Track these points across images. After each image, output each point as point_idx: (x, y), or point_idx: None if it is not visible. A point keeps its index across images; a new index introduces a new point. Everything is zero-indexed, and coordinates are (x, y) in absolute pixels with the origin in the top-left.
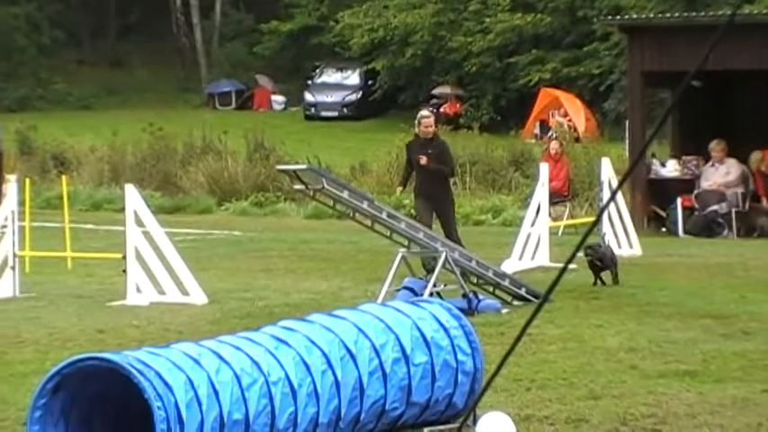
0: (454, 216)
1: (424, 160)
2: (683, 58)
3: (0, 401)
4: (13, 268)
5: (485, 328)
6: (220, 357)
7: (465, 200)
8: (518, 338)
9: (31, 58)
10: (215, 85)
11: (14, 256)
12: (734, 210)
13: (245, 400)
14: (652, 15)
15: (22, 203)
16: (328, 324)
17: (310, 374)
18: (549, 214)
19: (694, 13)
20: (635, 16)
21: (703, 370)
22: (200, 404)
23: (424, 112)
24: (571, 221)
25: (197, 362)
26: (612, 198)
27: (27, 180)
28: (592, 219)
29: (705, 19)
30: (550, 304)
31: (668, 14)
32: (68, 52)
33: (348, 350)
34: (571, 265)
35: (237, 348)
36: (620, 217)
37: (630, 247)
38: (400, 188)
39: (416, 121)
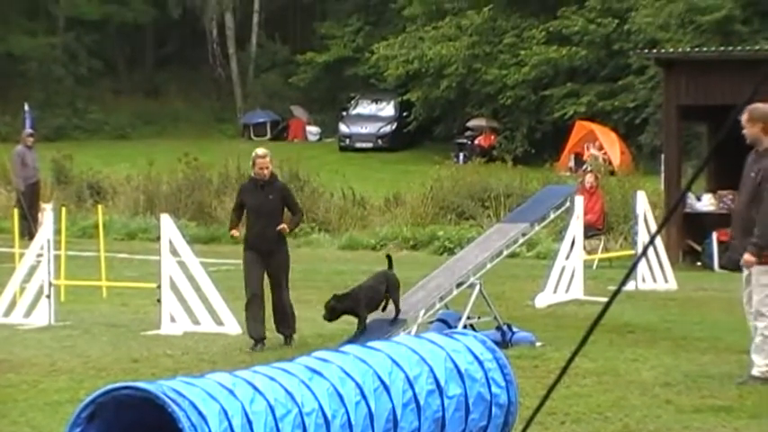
0: (288, 272)
1: (284, 228)
2: (719, 92)
3: (35, 430)
4: (48, 297)
5: (519, 361)
6: (255, 388)
7: None
8: (561, 374)
9: (68, 87)
10: (250, 115)
11: (50, 284)
12: None
13: (278, 430)
14: (688, 49)
15: (57, 232)
16: (362, 355)
17: (344, 406)
18: (584, 247)
19: (731, 48)
20: (671, 50)
21: (739, 405)
22: None
23: (260, 151)
24: (606, 255)
25: (231, 392)
26: (656, 236)
27: (63, 209)
28: (627, 252)
29: (742, 53)
30: None
31: (704, 48)
32: (105, 82)
33: (382, 382)
34: (604, 299)
35: (272, 379)
36: (656, 251)
37: (666, 281)
38: (235, 232)
39: (251, 162)
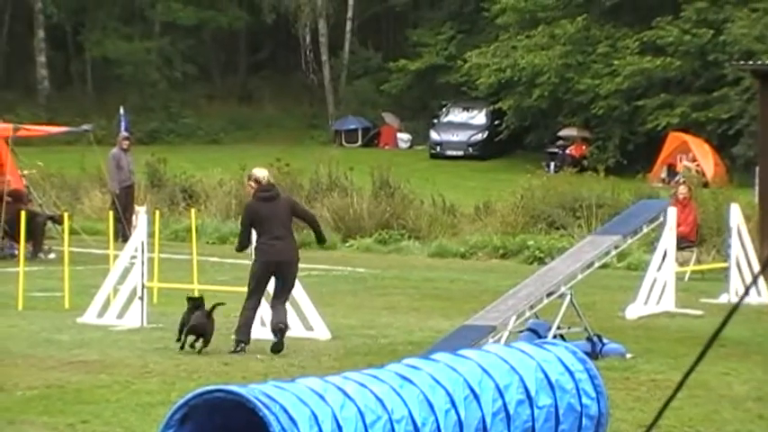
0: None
1: None
2: None
3: (127, 431)
4: (141, 299)
5: (609, 373)
6: (345, 393)
7: None
8: (677, 388)
9: (162, 91)
10: (342, 121)
11: (143, 286)
12: None
13: None
14: None
15: (151, 235)
16: (453, 363)
17: (434, 414)
18: (676, 259)
19: None
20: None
21: None
22: None
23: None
24: (698, 267)
25: (322, 397)
26: (758, 277)
27: (156, 212)
28: (719, 265)
29: None
30: (676, 351)
31: None
32: (199, 87)
33: (472, 390)
34: (696, 311)
35: (362, 385)
36: (749, 265)
37: (759, 295)
38: None
39: None
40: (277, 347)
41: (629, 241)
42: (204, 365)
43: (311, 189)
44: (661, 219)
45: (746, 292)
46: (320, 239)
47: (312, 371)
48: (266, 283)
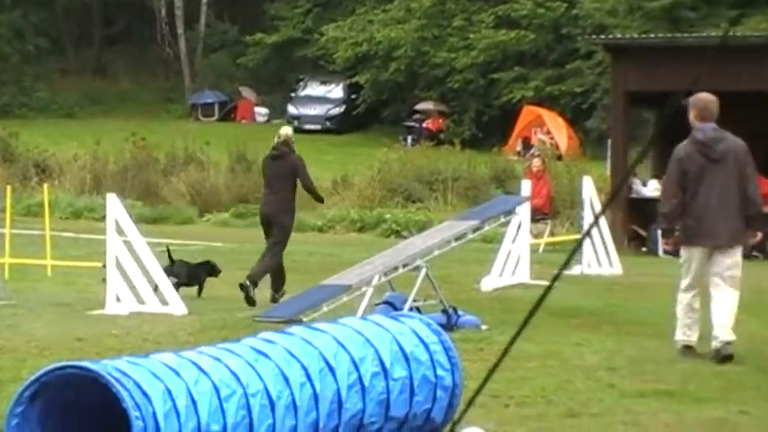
0: None
1: None
2: (667, 78)
3: None
4: None
5: (464, 344)
6: (199, 368)
7: (446, 215)
8: (502, 356)
9: (14, 65)
10: (198, 95)
11: None
12: None
13: (223, 411)
14: (636, 35)
15: (2, 210)
16: (308, 337)
17: (289, 387)
18: (530, 231)
19: (678, 35)
20: (619, 36)
21: (681, 390)
22: (178, 415)
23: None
24: (552, 239)
25: (176, 372)
26: (599, 218)
27: (8, 187)
28: (572, 237)
29: (690, 40)
30: (530, 322)
31: (652, 35)
32: (52, 60)
33: (327, 363)
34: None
35: (217, 359)
36: (601, 236)
37: (611, 265)
38: None
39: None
40: (247, 302)
41: (486, 228)
42: (57, 342)
43: (167, 163)
44: (517, 213)
45: (568, 262)
46: (316, 200)
47: (167, 346)
48: (266, 233)
